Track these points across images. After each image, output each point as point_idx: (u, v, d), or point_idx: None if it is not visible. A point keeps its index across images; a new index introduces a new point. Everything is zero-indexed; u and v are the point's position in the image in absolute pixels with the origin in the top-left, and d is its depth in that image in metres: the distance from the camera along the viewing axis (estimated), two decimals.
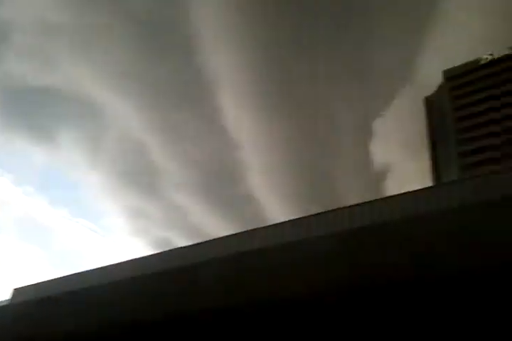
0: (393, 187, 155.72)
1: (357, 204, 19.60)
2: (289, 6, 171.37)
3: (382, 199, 19.71)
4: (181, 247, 24.40)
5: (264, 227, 21.38)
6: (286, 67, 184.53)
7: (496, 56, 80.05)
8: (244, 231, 21.91)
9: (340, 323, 13.69)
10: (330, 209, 20.14)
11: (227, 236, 22.12)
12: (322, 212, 20.30)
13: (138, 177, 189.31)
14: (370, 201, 19.38)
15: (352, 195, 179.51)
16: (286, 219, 21.44)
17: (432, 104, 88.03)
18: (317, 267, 14.69)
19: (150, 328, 17.41)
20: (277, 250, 17.10)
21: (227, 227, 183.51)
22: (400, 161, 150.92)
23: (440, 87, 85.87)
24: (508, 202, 12.87)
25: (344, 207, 20.08)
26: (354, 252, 14.44)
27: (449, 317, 12.24)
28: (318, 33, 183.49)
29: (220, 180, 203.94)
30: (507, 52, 79.13)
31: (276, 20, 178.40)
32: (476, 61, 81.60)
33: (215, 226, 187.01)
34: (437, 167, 79.59)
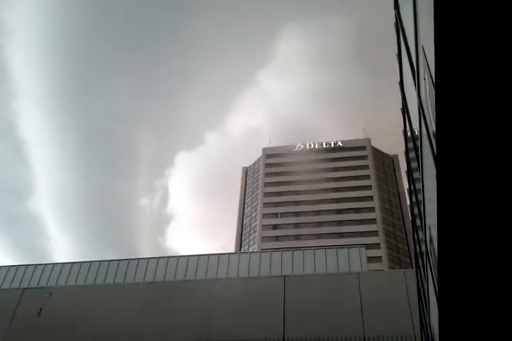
0: (174, 230, 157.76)
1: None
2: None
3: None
4: None
5: None
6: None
7: (307, 147, 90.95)
8: None
9: None
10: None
11: None
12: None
13: None
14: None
15: (140, 234, 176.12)
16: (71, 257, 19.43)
17: (248, 173, 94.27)
18: None
19: None
20: None
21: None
22: (192, 210, 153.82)
23: (258, 161, 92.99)
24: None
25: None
26: None
27: None
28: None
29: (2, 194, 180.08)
30: (316, 147, 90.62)
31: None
32: (291, 147, 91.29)
33: None
34: (243, 231, 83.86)
